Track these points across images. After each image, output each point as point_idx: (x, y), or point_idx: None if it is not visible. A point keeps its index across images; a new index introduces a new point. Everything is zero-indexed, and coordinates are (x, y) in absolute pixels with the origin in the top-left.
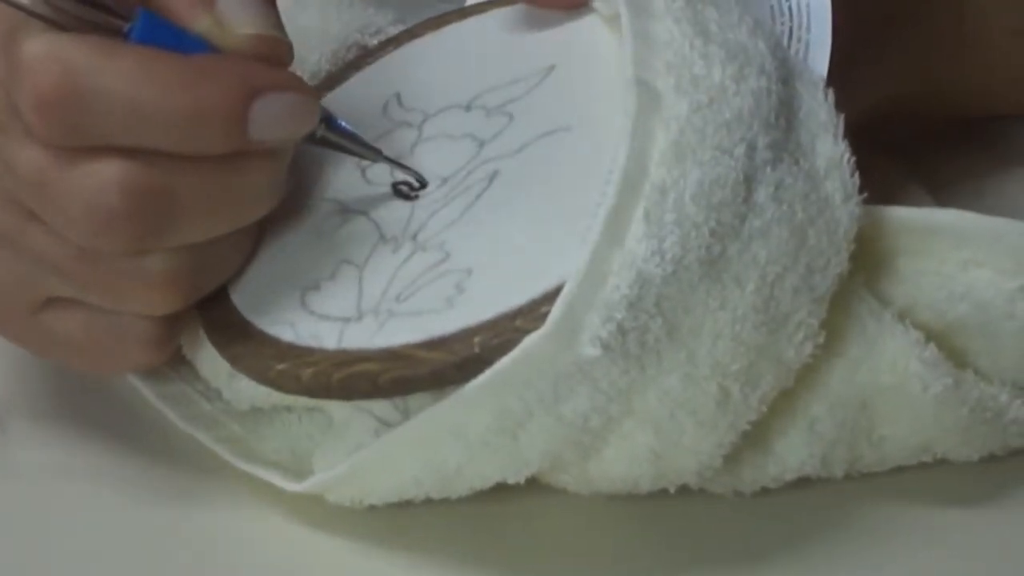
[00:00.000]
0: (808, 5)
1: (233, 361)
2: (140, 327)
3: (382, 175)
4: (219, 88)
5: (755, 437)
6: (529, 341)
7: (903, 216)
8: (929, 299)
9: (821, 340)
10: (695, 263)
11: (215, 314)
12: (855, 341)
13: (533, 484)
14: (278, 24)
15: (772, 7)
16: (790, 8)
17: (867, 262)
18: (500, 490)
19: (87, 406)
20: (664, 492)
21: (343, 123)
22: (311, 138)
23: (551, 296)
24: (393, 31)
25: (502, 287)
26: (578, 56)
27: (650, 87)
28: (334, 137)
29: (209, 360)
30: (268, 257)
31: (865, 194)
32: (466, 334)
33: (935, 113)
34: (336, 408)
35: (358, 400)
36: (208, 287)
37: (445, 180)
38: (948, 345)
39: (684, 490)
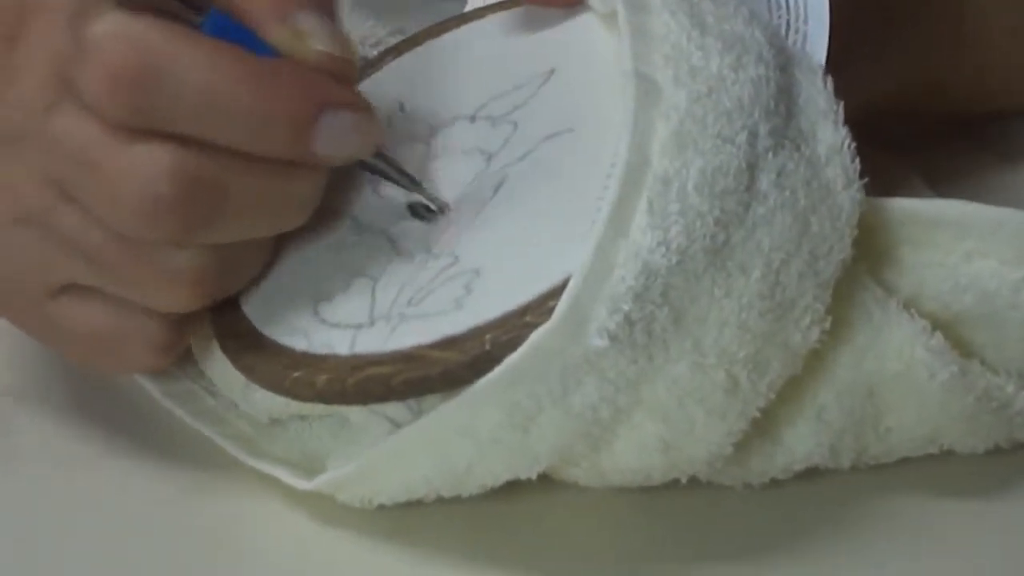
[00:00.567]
0: None
1: (247, 372)
2: (150, 328)
3: (395, 190)
4: (294, 93)
5: (764, 426)
6: (537, 335)
7: (906, 207)
8: (934, 290)
9: (827, 325)
10: (700, 252)
11: (228, 327)
12: (861, 329)
13: (542, 482)
14: (348, 44)
15: (769, 0)
16: (787, 1)
17: (870, 254)
18: (508, 489)
19: (95, 399)
20: (673, 489)
21: (386, 152)
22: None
23: (558, 291)
24: (393, 41)
25: (509, 285)
26: (577, 57)
27: (649, 79)
28: (380, 163)
29: (223, 372)
30: (281, 271)
31: (866, 179)
32: (476, 333)
33: (935, 111)
34: (352, 414)
35: (373, 404)
36: (229, 289)
37: (458, 200)
38: (954, 336)
39: (692, 485)
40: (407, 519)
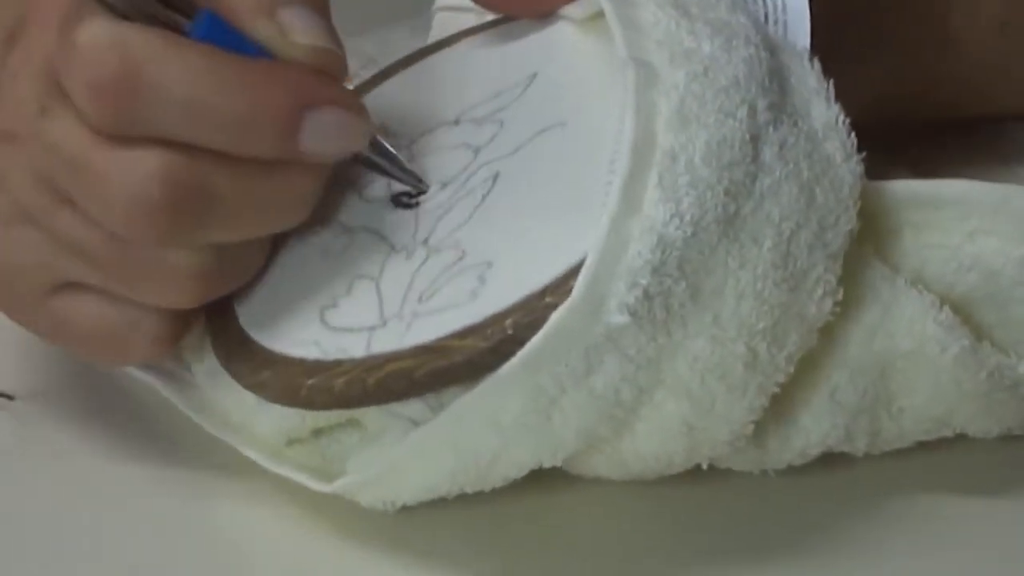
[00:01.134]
0: None
1: (258, 389)
2: (149, 321)
3: (379, 191)
4: (277, 93)
5: (780, 410)
6: (558, 315)
7: (906, 189)
8: (938, 272)
9: (839, 297)
10: (712, 223)
11: (232, 348)
12: (870, 307)
13: (551, 481)
14: (336, 38)
15: None
16: None
17: (873, 238)
18: (510, 489)
19: (98, 399)
20: (678, 487)
21: (386, 143)
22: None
23: (576, 270)
24: (366, 74)
25: (526, 271)
26: (558, 59)
27: (645, 64)
28: (376, 158)
29: (238, 401)
30: (278, 283)
31: (864, 153)
32: (497, 318)
33: (925, 114)
34: (370, 420)
35: (395, 402)
36: (226, 288)
37: (445, 185)
38: (961, 317)
39: (698, 483)
40: (408, 519)
